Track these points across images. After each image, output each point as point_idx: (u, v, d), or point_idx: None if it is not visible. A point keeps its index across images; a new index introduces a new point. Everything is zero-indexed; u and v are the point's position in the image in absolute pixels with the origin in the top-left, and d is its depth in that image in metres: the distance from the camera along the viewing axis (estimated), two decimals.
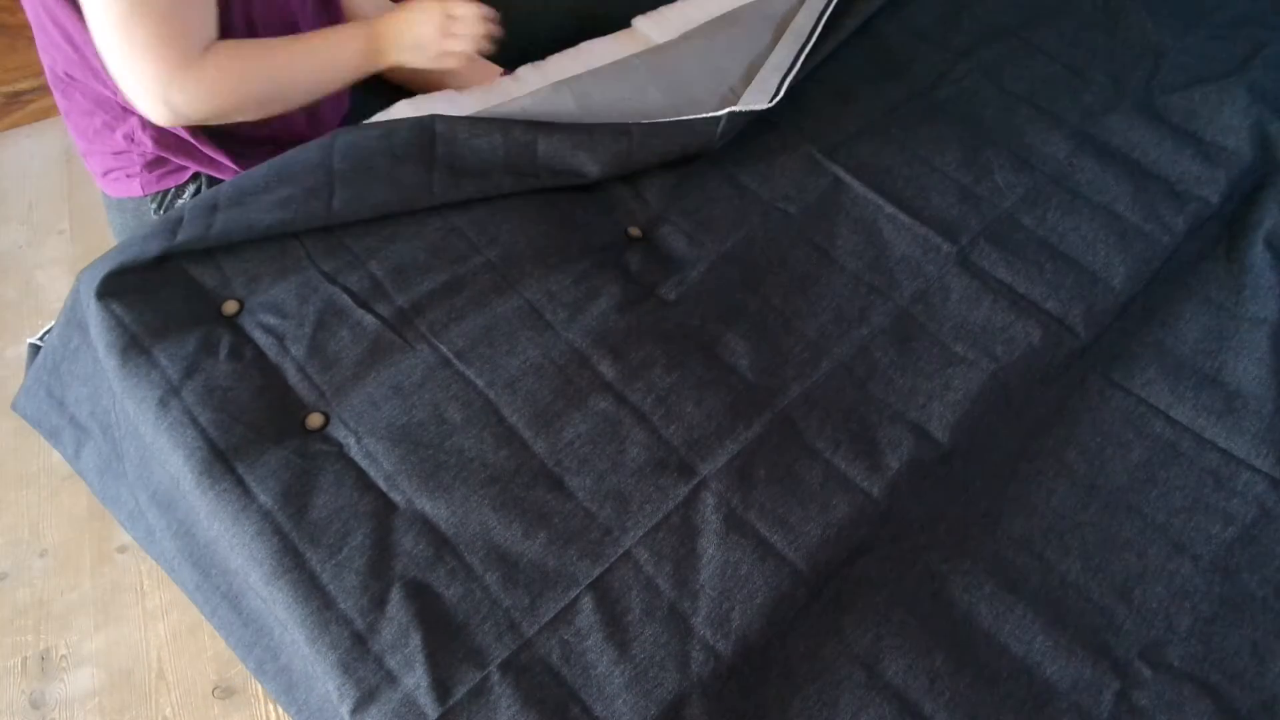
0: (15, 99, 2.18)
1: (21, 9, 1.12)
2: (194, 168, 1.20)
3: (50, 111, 2.22)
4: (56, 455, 1.20)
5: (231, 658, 1.41)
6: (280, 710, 1.15)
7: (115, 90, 1.10)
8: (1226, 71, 1.35)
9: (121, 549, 1.53)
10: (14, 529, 1.55)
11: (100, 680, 1.40)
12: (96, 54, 1.05)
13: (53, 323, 1.04)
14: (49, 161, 2.16)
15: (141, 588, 1.49)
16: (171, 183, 1.21)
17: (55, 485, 1.60)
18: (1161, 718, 0.81)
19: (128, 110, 1.12)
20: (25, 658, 1.42)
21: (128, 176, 1.21)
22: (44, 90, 2.17)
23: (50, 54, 1.15)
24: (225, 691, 1.39)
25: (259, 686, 1.39)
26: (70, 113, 1.21)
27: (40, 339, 1.06)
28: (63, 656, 1.42)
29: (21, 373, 1.62)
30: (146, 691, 1.39)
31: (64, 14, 1.06)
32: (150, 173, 1.21)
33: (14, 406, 1.06)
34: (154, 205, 1.23)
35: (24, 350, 1.69)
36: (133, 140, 1.17)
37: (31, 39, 1.16)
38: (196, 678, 1.40)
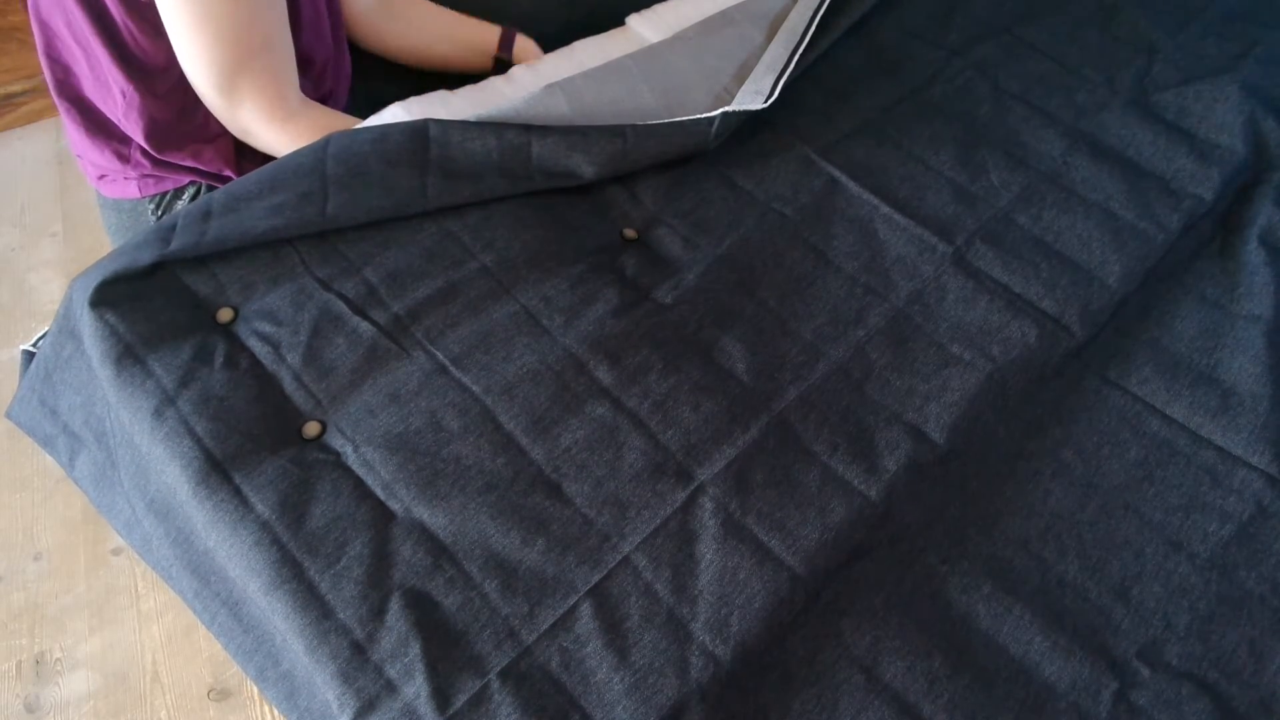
0: (7, 101, 2.16)
1: (13, 11, 1.12)
2: (193, 179, 1.20)
3: (42, 114, 2.21)
4: (50, 459, 1.20)
5: (227, 660, 1.41)
6: (276, 713, 1.15)
7: (117, 117, 1.11)
8: (1220, 69, 1.35)
9: (116, 551, 1.53)
10: (8, 532, 1.55)
11: (95, 683, 1.39)
12: (103, 75, 1.06)
13: (47, 327, 1.04)
14: (41, 164, 2.15)
15: (136, 590, 1.49)
16: (170, 185, 1.21)
17: (49, 488, 1.60)
18: (1160, 717, 0.81)
19: (128, 138, 1.13)
20: (20, 661, 1.42)
21: (125, 179, 1.20)
22: (36, 93, 2.16)
23: (57, 66, 1.14)
24: (221, 694, 1.39)
25: (255, 688, 1.39)
26: (70, 123, 1.21)
27: (34, 345, 1.05)
28: (57, 660, 1.42)
29: (14, 376, 1.61)
30: (142, 694, 1.39)
31: (85, 32, 1.06)
32: (147, 178, 1.20)
33: (8, 415, 1.05)
34: (151, 206, 1.22)
35: (17, 354, 1.68)
36: (129, 162, 1.17)
37: (23, 41, 1.16)
38: (192, 680, 1.40)
